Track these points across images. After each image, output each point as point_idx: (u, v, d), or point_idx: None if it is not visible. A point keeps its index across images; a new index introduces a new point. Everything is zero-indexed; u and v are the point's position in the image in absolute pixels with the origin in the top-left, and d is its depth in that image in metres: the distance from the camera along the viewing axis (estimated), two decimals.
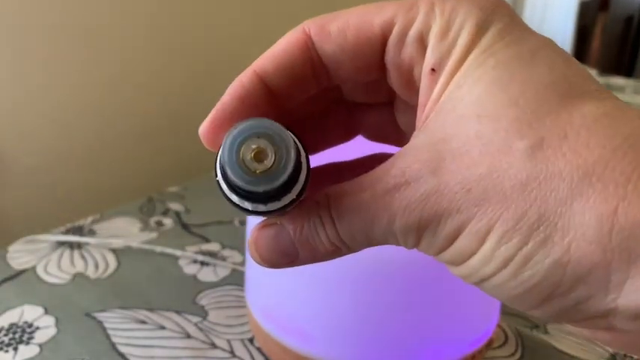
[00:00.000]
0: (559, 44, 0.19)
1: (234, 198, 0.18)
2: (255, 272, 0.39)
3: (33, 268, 0.50)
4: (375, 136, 0.25)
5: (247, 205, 0.18)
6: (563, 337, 0.45)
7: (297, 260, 0.20)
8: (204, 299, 0.47)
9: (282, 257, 0.20)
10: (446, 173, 0.17)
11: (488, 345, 0.39)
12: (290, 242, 0.19)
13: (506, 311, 0.48)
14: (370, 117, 0.24)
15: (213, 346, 0.42)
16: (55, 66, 0.72)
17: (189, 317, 0.45)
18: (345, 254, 0.19)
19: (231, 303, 0.47)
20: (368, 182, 0.18)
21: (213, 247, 0.55)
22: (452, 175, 0.17)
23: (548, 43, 0.18)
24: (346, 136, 0.25)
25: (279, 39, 0.21)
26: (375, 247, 0.19)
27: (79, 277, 0.49)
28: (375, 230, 0.18)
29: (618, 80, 1.40)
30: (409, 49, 0.19)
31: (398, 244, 0.18)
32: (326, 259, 0.20)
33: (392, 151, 0.19)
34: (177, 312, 0.45)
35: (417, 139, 0.18)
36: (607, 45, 2.60)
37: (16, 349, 0.41)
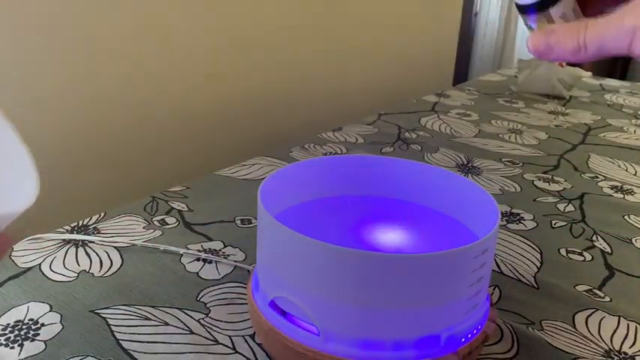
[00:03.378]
0: None
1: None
2: (261, 269, 0.40)
3: (38, 266, 0.51)
4: None
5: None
6: (558, 334, 0.46)
7: (553, 53, 0.34)
8: (206, 296, 0.48)
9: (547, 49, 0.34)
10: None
11: (484, 342, 0.39)
12: (554, 40, 0.33)
13: (502, 308, 0.49)
14: None
15: (216, 342, 0.43)
16: (60, 69, 0.73)
17: (192, 314, 0.46)
18: (581, 57, 0.32)
19: (233, 300, 0.48)
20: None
21: (216, 245, 0.56)
22: None
23: None
24: None
25: None
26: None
27: (83, 274, 0.50)
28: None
29: (612, 82, 1.41)
30: None
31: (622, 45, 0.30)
32: (568, 57, 0.33)
33: None
34: (180, 309, 0.46)
35: None
36: None
37: (21, 345, 0.41)
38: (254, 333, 0.44)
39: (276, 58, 1.05)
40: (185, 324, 0.44)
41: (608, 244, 0.61)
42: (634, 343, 0.45)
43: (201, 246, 0.55)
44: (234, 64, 0.97)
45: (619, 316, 0.49)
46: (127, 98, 0.82)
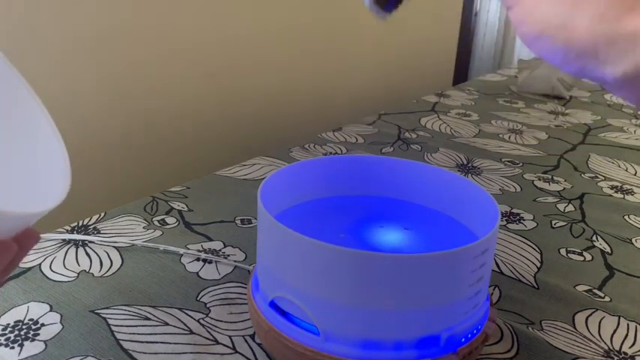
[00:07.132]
0: None
1: None
2: (261, 269, 0.40)
3: (38, 266, 0.51)
4: None
5: None
6: (558, 334, 0.46)
7: None
8: (206, 296, 0.48)
9: None
10: None
11: (484, 342, 0.39)
12: None
13: (502, 308, 0.49)
14: None
15: (216, 342, 0.43)
16: (61, 69, 0.73)
17: (192, 314, 0.46)
18: None
19: (232, 300, 0.48)
20: None
21: (216, 245, 0.56)
22: None
23: None
24: None
25: None
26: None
27: (83, 274, 0.50)
28: None
29: None
30: None
31: None
32: None
33: None
34: (180, 309, 0.46)
35: None
36: None
37: (21, 345, 0.41)
38: (254, 333, 0.44)
39: (277, 58, 1.05)
40: (185, 324, 0.44)
41: (608, 244, 0.61)
42: (634, 343, 0.45)
43: (201, 246, 0.55)
44: (234, 63, 0.97)
45: (619, 316, 0.49)
46: (127, 98, 0.82)
